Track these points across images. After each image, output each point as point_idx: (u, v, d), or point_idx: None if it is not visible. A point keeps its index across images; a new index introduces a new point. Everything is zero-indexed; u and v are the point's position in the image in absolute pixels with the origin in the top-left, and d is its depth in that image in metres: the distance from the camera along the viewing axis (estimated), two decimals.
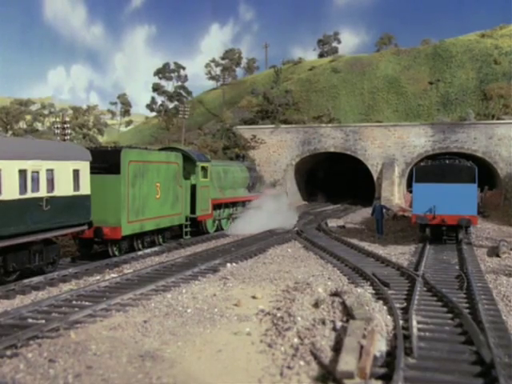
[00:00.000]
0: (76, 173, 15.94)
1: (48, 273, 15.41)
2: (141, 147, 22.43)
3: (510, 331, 10.23)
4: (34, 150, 14.82)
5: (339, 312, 10.68)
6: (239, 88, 77.69)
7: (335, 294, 12.06)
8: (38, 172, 14.36)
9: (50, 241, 15.62)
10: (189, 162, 23.40)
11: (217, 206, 26.05)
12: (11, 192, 13.36)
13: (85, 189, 16.29)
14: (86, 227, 16.58)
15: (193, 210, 23.37)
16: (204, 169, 24.30)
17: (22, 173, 13.77)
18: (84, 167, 16.28)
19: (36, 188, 14.29)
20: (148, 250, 20.29)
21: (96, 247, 19.27)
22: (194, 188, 23.47)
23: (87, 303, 12.45)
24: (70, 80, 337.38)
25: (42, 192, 14.50)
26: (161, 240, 21.34)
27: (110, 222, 17.67)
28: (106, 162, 17.85)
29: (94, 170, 16.97)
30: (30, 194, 14.01)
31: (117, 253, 18.57)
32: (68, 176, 15.58)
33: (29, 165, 14.01)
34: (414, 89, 57.68)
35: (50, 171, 14.83)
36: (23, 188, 13.80)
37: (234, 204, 28.39)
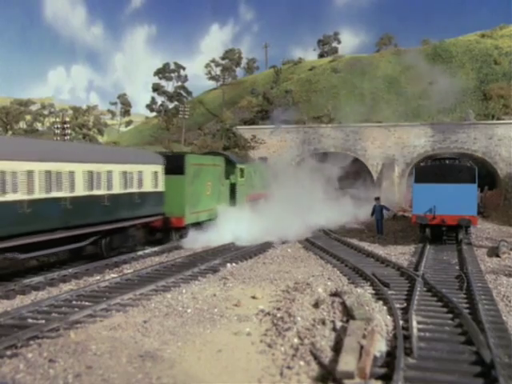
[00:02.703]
0: (155, 174, 20.60)
1: (137, 251, 19.34)
2: (197, 153, 27.39)
3: (510, 331, 10.23)
4: (130, 157, 19.93)
5: (339, 312, 10.68)
6: (239, 88, 77.74)
7: (335, 294, 12.06)
8: (132, 173, 19.16)
9: (135, 226, 19.80)
10: (229, 164, 27.07)
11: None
12: (117, 187, 18.22)
13: (160, 186, 20.94)
14: (161, 216, 20.86)
15: (232, 204, 26.81)
16: (241, 170, 28.05)
17: (124, 174, 18.63)
18: (160, 169, 20.95)
19: (131, 185, 19.09)
20: (148, 250, 20.36)
21: (158, 235, 22.10)
22: (232, 186, 27.08)
23: (87, 303, 12.45)
24: (70, 80, 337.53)
25: (135, 188, 19.33)
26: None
27: (176, 213, 21.42)
28: (172, 164, 21.57)
29: (164, 171, 21.27)
30: (128, 190, 18.82)
31: (177, 237, 21.87)
32: (150, 176, 20.30)
33: (127, 168, 18.85)
34: (414, 89, 57.73)
35: (140, 172, 19.62)
36: (124, 185, 18.62)
37: (259, 198, 31.22)
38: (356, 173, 42.56)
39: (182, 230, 22.03)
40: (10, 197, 13.53)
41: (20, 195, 13.90)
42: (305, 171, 31.11)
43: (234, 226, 22.79)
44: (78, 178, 16.36)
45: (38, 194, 14.56)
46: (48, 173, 15.00)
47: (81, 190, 16.48)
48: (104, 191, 17.56)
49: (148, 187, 20.02)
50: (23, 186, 14.03)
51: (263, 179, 31.96)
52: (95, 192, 17.17)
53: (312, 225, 26.33)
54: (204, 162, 24.00)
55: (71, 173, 16.00)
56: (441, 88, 46.78)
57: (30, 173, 14.25)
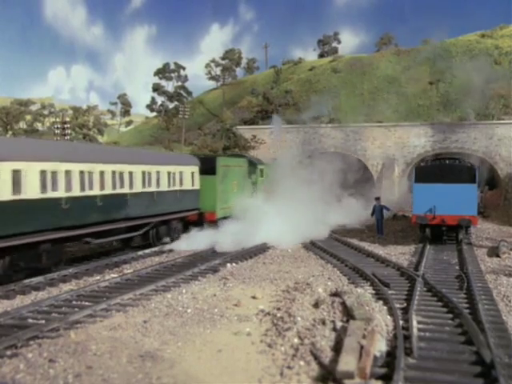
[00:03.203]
0: (192, 174, 23.75)
1: (175, 240, 21.31)
2: (226, 155, 30.47)
3: (510, 331, 10.22)
4: (173, 159, 23.36)
5: (339, 312, 10.67)
6: (239, 88, 77.75)
7: (335, 294, 12.05)
8: (175, 173, 22.32)
9: (176, 219, 22.61)
10: (251, 165, 29.67)
11: None
12: (164, 185, 21.45)
13: (196, 185, 24.09)
14: (197, 211, 23.93)
15: None
16: (261, 170, 30.71)
17: (169, 174, 21.89)
18: (196, 170, 24.09)
19: (174, 183, 22.18)
20: (148, 250, 20.37)
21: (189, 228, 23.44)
22: (254, 184, 29.56)
23: (87, 303, 12.45)
24: (70, 80, 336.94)
25: (177, 186, 22.38)
26: None
27: (209, 209, 24.35)
28: (206, 166, 24.61)
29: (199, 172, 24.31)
30: (171, 188, 21.93)
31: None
32: (189, 176, 23.44)
33: (171, 168, 22.08)
34: (414, 89, 57.74)
35: (181, 173, 22.77)
36: (169, 183, 21.80)
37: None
38: (366, 178, 42.69)
39: (213, 224, 24.05)
40: (89, 192, 16.94)
41: (95, 191, 17.25)
42: (318, 173, 30.89)
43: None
44: (137, 177, 19.68)
45: (108, 190, 17.87)
46: (114, 173, 18.33)
47: (139, 187, 19.83)
48: (154, 188, 20.83)
49: (187, 185, 23.27)
50: (97, 184, 17.39)
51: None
52: (147, 189, 20.35)
53: (331, 224, 26.67)
54: (231, 164, 26.95)
55: (131, 173, 19.28)
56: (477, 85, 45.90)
57: (102, 173, 17.59)
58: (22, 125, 79.48)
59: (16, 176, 14.02)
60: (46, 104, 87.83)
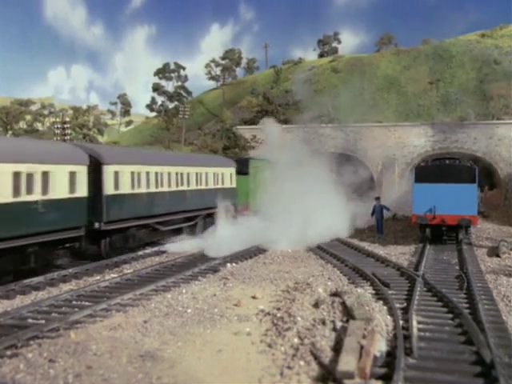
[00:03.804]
0: (231, 174, 28.07)
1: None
2: (256, 158, 33.89)
3: (510, 331, 10.22)
4: (218, 162, 28.28)
5: (339, 312, 10.67)
6: (239, 88, 77.71)
7: (335, 294, 12.05)
8: (218, 174, 26.74)
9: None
10: (270, 165, 32.27)
11: None
12: (211, 184, 25.92)
13: (234, 183, 28.27)
14: (233, 206, 26.64)
15: None
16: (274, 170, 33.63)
17: (214, 174, 26.21)
18: (234, 171, 28.44)
19: (217, 182, 26.58)
20: (148, 250, 20.37)
21: None
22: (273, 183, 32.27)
23: (87, 303, 12.45)
24: (70, 80, 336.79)
25: (219, 185, 26.79)
26: None
27: (243, 203, 28.49)
28: (240, 167, 29.02)
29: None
30: (215, 186, 26.35)
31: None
32: (228, 176, 27.85)
33: (216, 170, 26.61)
34: (414, 89, 57.72)
35: (223, 173, 27.31)
36: (214, 182, 26.20)
37: None
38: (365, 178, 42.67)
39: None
40: (161, 189, 21.55)
41: (165, 188, 21.79)
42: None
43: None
44: (191, 177, 23.92)
45: (174, 187, 22.47)
46: (178, 174, 22.91)
47: (193, 185, 24.34)
48: (204, 186, 25.20)
49: (226, 184, 27.55)
50: (166, 181, 21.96)
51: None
52: (199, 187, 24.91)
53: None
54: (259, 165, 30.84)
55: (187, 173, 23.79)
56: None
57: (169, 173, 22.11)
58: (22, 125, 79.45)
59: (116, 176, 18.63)
60: (45, 104, 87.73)
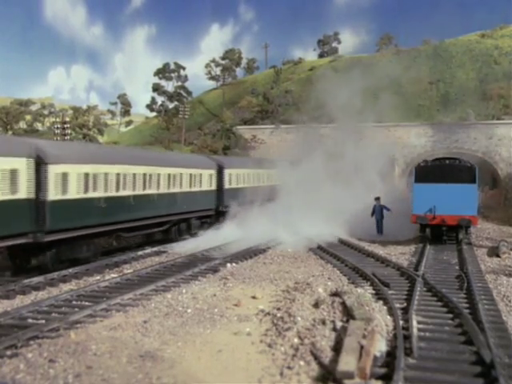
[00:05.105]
0: (271, 174, 32.17)
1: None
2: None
3: (510, 331, 10.22)
4: (260, 164, 32.90)
5: (339, 312, 10.67)
6: (239, 88, 77.67)
7: (335, 294, 12.05)
8: (259, 174, 31.88)
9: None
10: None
11: None
12: (265, 182, 31.64)
13: (275, 182, 30.80)
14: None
15: None
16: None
17: (261, 174, 31.91)
18: (274, 171, 31.97)
19: (260, 181, 31.67)
20: (148, 250, 20.36)
21: None
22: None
23: (87, 303, 12.44)
24: (70, 80, 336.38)
25: (261, 183, 31.55)
26: None
27: None
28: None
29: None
30: (258, 184, 31.02)
31: None
32: (270, 176, 32.34)
33: (262, 171, 32.26)
34: (414, 89, 57.68)
35: (267, 173, 32.25)
36: (258, 181, 31.45)
37: None
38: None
39: None
40: (194, 188, 24.31)
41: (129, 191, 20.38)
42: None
43: None
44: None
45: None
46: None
47: (233, 184, 28.27)
48: (233, 185, 28.44)
49: (269, 182, 31.58)
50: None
51: None
52: (258, 184, 30.68)
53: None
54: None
55: (248, 174, 29.83)
56: None
57: (134, 174, 20.18)
58: (22, 125, 79.47)
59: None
60: (45, 104, 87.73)
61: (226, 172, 27.32)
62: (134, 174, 19.76)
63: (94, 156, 18.22)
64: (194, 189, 24.22)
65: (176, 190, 22.73)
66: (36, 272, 15.62)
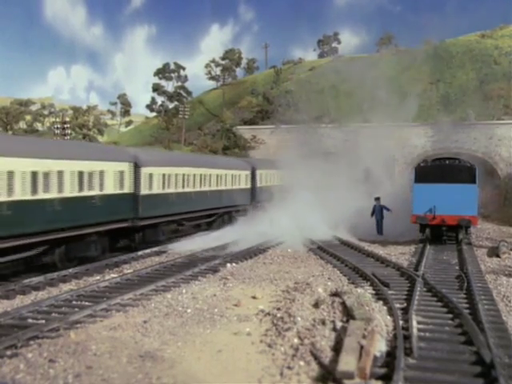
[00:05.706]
0: (279, 175, 33.99)
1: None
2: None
3: (510, 331, 10.22)
4: (273, 165, 34.56)
5: (339, 312, 10.68)
6: (239, 88, 77.63)
7: (335, 294, 12.05)
8: (270, 174, 33.96)
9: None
10: None
11: None
12: (280, 181, 33.20)
13: (281, 182, 32.80)
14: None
15: None
16: None
17: (277, 174, 33.98)
18: (281, 172, 33.63)
19: (271, 181, 33.75)
20: (148, 250, 20.37)
21: None
22: None
23: (87, 303, 12.44)
24: (70, 80, 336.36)
25: (272, 183, 33.46)
26: None
27: None
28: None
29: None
30: (270, 183, 33.37)
31: None
32: (277, 176, 34.13)
33: (275, 171, 34.12)
34: (414, 89, 57.56)
35: (276, 173, 34.12)
36: (269, 180, 33.81)
37: None
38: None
39: None
40: (235, 186, 28.72)
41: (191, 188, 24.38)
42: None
43: None
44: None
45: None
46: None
47: (263, 183, 32.40)
48: (262, 184, 32.30)
49: (276, 182, 33.43)
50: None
51: None
52: (278, 183, 32.75)
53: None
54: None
55: (271, 174, 33.40)
56: None
57: (194, 175, 24.54)
58: (22, 125, 79.45)
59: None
60: (45, 104, 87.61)
61: (258, 172, 32.50)
62: (195, 175, 24.55)
63: (169, 160, 23.40)
64: (235, 187, 29.29)
65: (222, 187, 27.84)
66: (123, 251, 19.76)
